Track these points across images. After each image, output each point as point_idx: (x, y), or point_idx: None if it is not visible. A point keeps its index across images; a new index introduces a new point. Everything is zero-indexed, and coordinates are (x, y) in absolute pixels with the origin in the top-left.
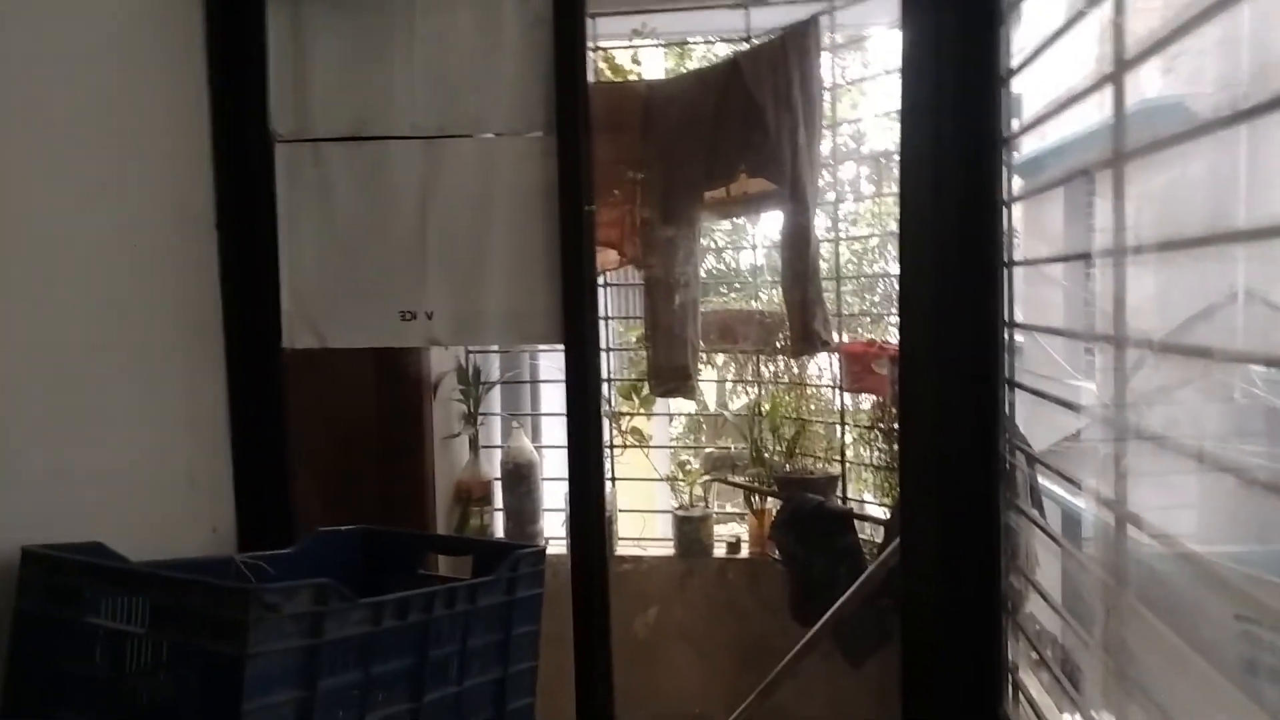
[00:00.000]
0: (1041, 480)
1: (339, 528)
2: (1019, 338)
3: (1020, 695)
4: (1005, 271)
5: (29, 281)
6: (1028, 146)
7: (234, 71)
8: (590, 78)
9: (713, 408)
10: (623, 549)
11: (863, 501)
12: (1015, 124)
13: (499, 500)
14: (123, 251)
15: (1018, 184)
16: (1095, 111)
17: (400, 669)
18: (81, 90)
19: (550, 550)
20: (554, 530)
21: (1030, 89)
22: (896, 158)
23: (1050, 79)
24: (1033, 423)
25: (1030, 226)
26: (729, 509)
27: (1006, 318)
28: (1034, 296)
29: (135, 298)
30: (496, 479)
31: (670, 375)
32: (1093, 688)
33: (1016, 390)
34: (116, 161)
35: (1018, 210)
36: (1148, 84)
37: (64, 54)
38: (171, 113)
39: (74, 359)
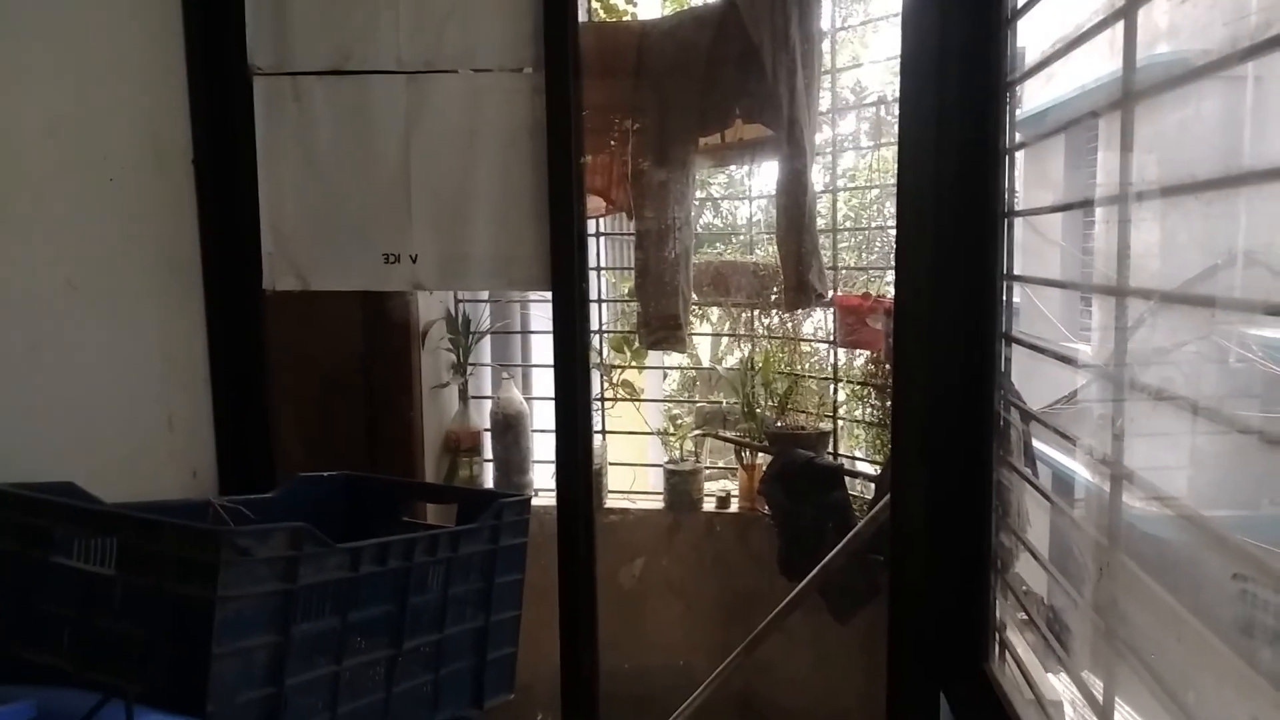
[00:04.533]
0: (1035, 441)
1: (321, 473)
2: (1015, 299)
3: (1006, 654)
4: (1005, 223)
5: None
6: (1031, 100)
7: (210, 2)
8: (582, 16)
9: (706, 363)
10: (612, 502)
11: (854, 459)
12: (1019, 71)
13: (489, 451)
14: (97, 187)
15: (1020, 137)
16: (1102, 60)
17: (379, 615)
18: (52, 20)
19: (539, 502)
20: (544, 482)
21: (1035, 40)
22: (897, 107)
23: (1057, 24)
24: (1027, 384)
25: (1032, 182)
26: (720, 464)
27: (1005, 270)
28: (1034, 252)
29: (110, 234)
30: (486, 429)
31: (659, 325)
32: (1081, 647)
33: (1013, 348)
34: (89, 94)
35: (1019, 167)
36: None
37: None
38: (145, 43)
39: (47, 297)
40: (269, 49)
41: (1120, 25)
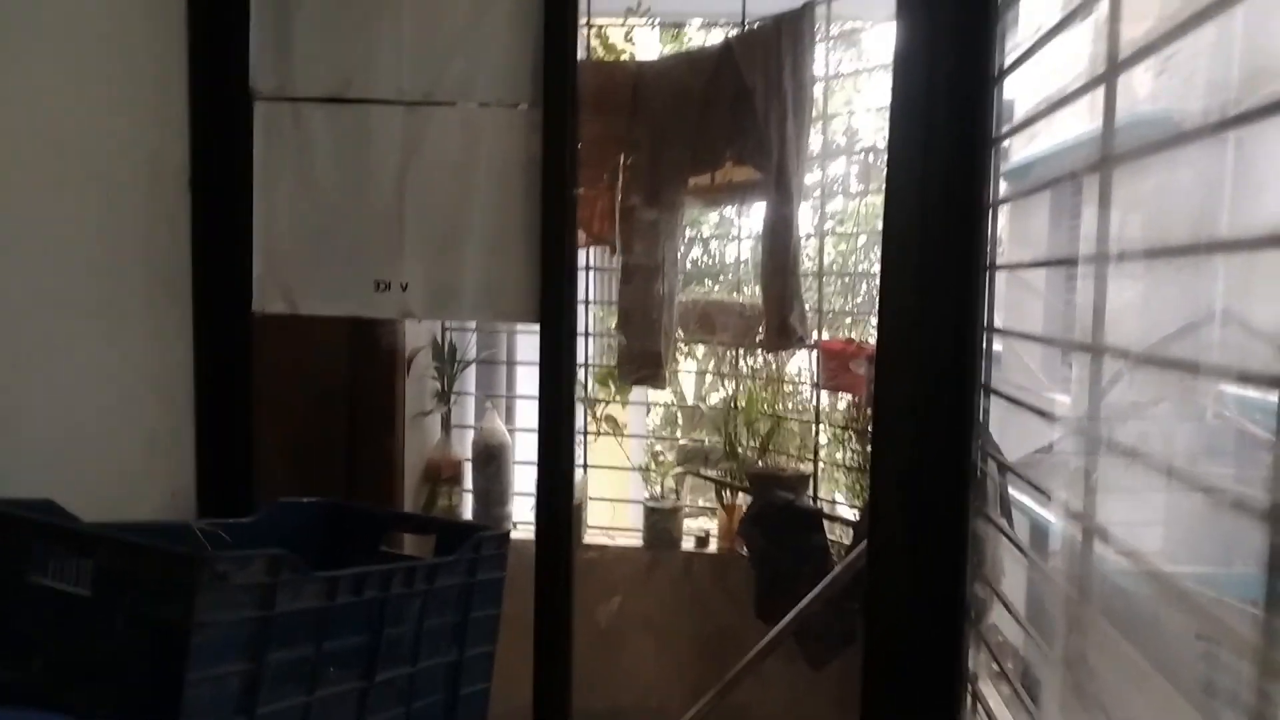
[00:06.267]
0: (1012, 491)
1: (301, 499)
2: (997, 347)
3: (979, 706)
4: (987, 275)
5: None
6: (1017, 154)
7: (214, 25)
8: (582, 55)
9: (690, 400)
10: (591, 538)
11: (834, 502)
12: (1006, 128)
13: (469, 481)
14: (92, 204)
15: (1005, 189)
16: (1085, 119)
17: (353, 646)
18: (56, 39)
19: (518, 535)
20: (523, 515)
21: (1022, 95)
22: (886, 154)
23: (1043, 83)
24: (1006, 433)
25: (1015, 236)
26: (701, 503)
27: (986, 322)
28: (1015, 305)
29: (102, 251)
30: (467, 459)
31: (642, 363)
32: (1051, 702)
33: (992, 398)
34: (89, 113)
35: (1003, 219)
36: (1139, 88)
37: (40, 3)
38: (148, 64)
39: (34, 311)
40: (271, 74)
41: (1101, 90)
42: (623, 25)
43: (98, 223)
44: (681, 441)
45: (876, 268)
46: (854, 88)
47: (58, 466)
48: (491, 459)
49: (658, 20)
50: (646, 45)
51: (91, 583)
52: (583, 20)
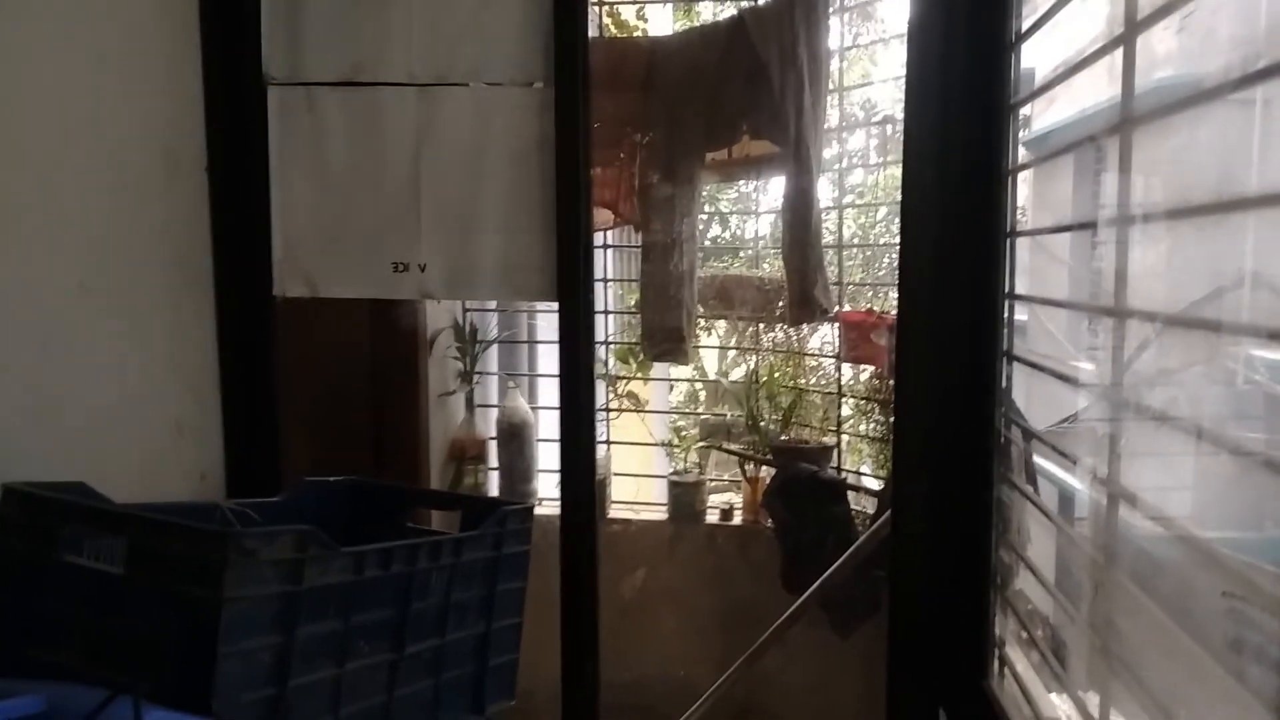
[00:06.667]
0: (1036, 458)
1: (327, 478)
2: (1022, 317)
3: (1006, 670)
4: (1008, 242)
5: (15, 220)
6: (1037, 123)
7: (226, 11)
8: (594, 33)
9: (712, 375)
10: (616, 512)
11: (858, 473)
12: (1023, 93)
13: (494, 459)
14: (112, 192)
15: (1024, 155)
16: (1104, 85)
17: (382, 620)
18: (70, 27)
19: (543, 510)
20: (549, 491)
21: (1040, 62)
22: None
23: (1060, 48)
24: (1031, 403)
25: (1038, 202)
26: (725, 477)
27: (1007, 289)
28: (1039, 272)
29: (124, 239)
30: (492, 438)
31: (664, 338)
32: (1078, 665)
33: (1015, 366)
34: (105, 102)
35: (1025, 186)
36: (1159, 47)
37: None
38: (162, 51)
39: (60, 300)
40: (284, 59)
41: (1119, 52)
42: (634, 2)
43: (118, 213)
44: (704, 416)
45: (897, 239)
46: (870, 59)
47: (89, 451)
48: (515, 437)
49: None
50: (658, 21)
51: (124, 561)
52: None
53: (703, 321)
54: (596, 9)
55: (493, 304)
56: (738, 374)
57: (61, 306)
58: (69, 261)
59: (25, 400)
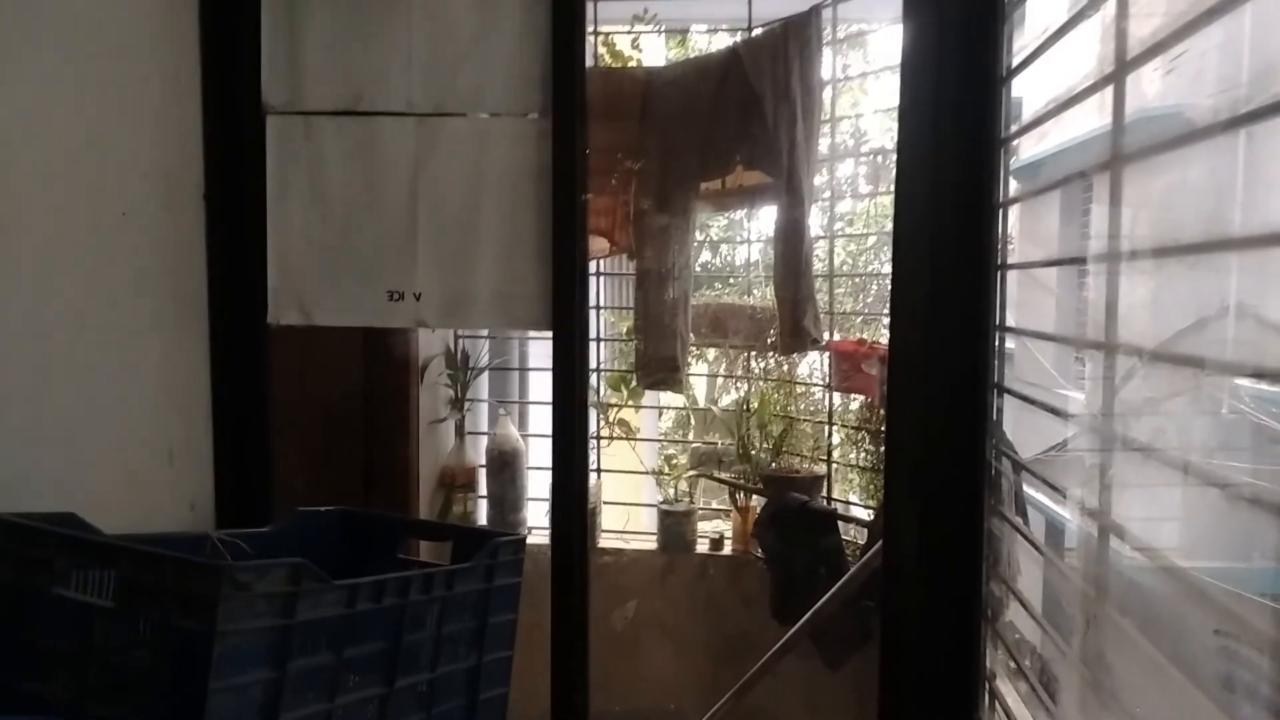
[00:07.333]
0: (1027, 489)
1: (318, 508)
2: (1010, 344)
3: (996, 704)
4: (999, 275)
5: (9, 246)
6: (1026, 151)
7: (226, 40)
8: (590, 62)
9: (702, 403)
10: (606, 541)
11: (848, 503)
12: (1014, 127)
13: (484, 487)
14: (108, 219)
15: (1014, 187)
16: (1094, 117)
17: (373, 653)
18: (70, 54)
19: (533, 540)
20: (538, 520)
21: (1030, 94)
22: (895, 156)
23: (1050, 83)
24: (1020, 431)
25: (1026, 233)
26: (714, 505)
27: (998, 322)
28: (1027, 303)
29: (119, 266)
30: (481, 466)
31: (658, 366)
32: (1069, 699)
33: (1005, 396)
34: (104, 128)
35: (1014, 216)
36: (1148, 88)
37: (54, 20)
38: (162, 79)
39: (53, 327)
40: (283, 88)
41: (1109, 89)
42: (629, 33)
43: (115, 239)
44: (694, 444)
45: (887, 268)
46: (861, 89)
47: (79, 480)
48: (505, 465)
49: (664, 27)
50: (653, 51)
51: (114, 594)
52: (589, 29)
53: (694, 349)
54: (592, 38)
55: (485, 331)
56: (727, 401)
57: (55, 334)
58: (63, 289)
59: (16, 428)
